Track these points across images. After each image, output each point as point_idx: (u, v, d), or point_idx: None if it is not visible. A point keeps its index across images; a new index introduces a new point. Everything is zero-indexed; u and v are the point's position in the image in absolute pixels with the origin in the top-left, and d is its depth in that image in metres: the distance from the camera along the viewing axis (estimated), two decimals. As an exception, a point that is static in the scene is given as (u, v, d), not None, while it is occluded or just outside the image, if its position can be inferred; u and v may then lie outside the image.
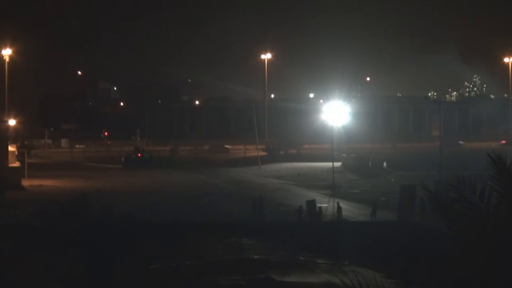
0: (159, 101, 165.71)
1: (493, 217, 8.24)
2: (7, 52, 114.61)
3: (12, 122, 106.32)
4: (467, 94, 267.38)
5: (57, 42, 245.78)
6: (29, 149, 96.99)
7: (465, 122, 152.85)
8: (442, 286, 8.12)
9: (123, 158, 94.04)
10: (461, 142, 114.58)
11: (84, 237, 24.56)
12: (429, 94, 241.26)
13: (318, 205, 47.98)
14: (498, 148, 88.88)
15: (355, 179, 74.56)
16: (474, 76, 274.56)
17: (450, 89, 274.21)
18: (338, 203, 49.33)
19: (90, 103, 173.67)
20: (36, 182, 68.75)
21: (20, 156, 76.37)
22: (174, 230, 37.83)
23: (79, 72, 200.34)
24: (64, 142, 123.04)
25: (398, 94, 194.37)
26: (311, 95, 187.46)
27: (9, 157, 69.54)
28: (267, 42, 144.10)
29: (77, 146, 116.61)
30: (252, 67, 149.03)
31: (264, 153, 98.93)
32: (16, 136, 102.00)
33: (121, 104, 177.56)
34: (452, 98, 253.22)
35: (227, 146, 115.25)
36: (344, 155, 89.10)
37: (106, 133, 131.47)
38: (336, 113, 74.76)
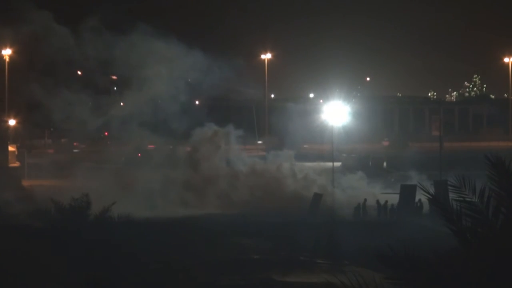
0: (159, 101, 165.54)
1: (493, 218, 8.25)
2: (7, 52, 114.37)
3: (12, 122, 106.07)
4: (467, 94, 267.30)
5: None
6: (29, 149, 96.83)
7: (465, 122, 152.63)
8: (442, 286, 8.11)
9: (123, 158, 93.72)
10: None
11: (84, 237, 24.56)
12: (429, 94, 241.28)
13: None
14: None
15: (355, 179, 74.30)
16: (474, 76, 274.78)
17: (450, 89, 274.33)
18: (377, 201, 49.47)
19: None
20: (36, 182, 68.61)
21: (20, 156, 76.24)
22: (174, 230, 37.80)
23: (79, 72, 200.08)
24: (64, 142, 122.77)
25: (398, 94, 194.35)
26: (311, 95, 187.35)
27: (9, 157, 69.49)
28: (267, 42, 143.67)
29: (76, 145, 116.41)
30: (252, 67, 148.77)
31: (264, 153, 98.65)
32: (16, 136, 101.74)
33: (121, 104, 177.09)
34: (452, 98, 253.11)
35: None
36: (344, 155, 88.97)
37: (106, 133, 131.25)
38: (336, 113, 74.68)
